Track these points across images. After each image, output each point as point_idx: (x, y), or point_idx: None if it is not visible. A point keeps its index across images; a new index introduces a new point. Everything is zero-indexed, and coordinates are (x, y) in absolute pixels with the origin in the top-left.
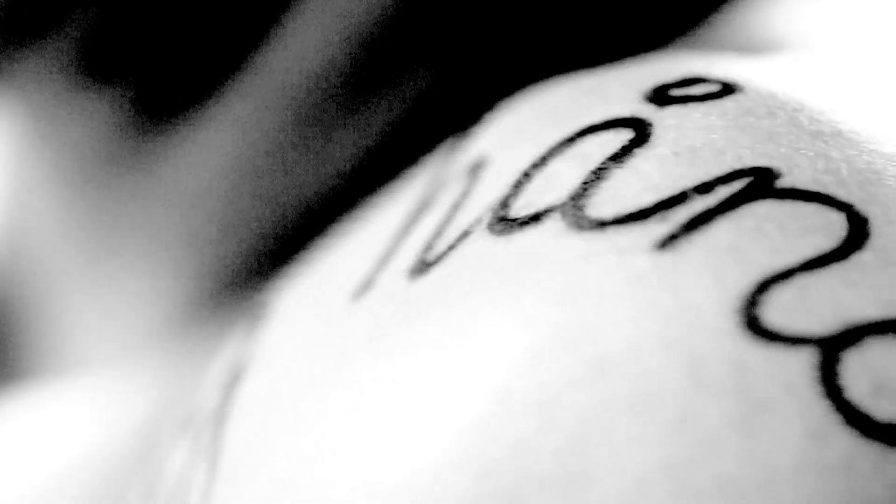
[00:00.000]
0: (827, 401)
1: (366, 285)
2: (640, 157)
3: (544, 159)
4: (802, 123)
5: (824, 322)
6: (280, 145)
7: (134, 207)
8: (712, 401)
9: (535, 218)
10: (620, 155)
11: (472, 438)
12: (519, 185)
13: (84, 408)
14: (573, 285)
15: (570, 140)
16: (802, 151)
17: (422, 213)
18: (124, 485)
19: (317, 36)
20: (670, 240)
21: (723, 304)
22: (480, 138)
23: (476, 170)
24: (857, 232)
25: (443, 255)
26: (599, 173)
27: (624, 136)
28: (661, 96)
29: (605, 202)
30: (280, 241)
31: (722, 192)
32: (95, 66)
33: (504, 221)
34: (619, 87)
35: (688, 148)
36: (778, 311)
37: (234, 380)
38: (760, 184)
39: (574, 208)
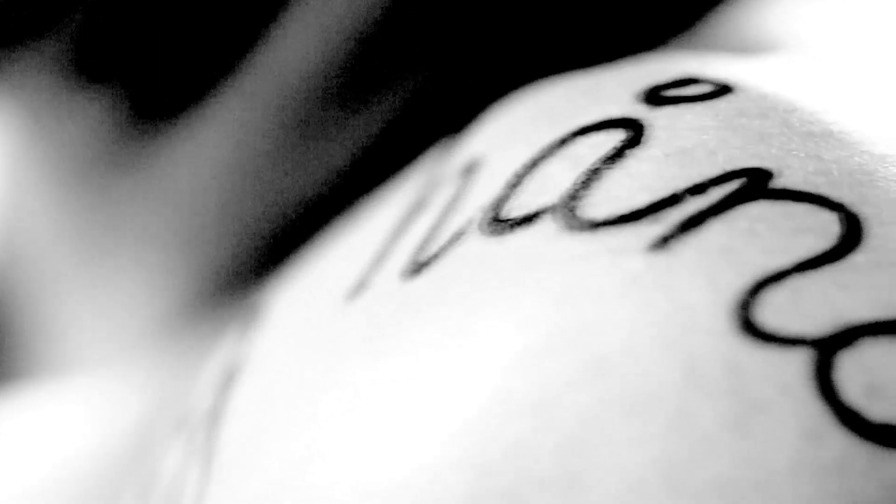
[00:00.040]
0: (821, 401)
1: (360, 286)
2: (634, 158)
3: (537, 160)
4: (795, 124)
5: (818, 323)
6: (274, 146)
7: (128, 208)
8: (707, 401)
9: (529, 219)
10: (614, 156)
11: (471, 438)
12: (512, 185)
13: (78, 408)
14: (566, 286)
15: (564, 141)
16: (794, 152)
17: (415, 213)
18: (118, 485)
19: (310, 37)
20: (664, 241)
21: (717, 304)
22: (474, 139)
23: (470, 171)
24: (851, 233)
25: (436, 256)
26: (593, 174)
27: (617, 136)
28: (654, 97)
29: (598, 203)
30: (274, 243)
31: (715, 194)
32: (89, 67)
33: (497, 222)
34: (612, 88)
35: (680, 149)
36: (772, 312)
37: (228, 381)
38: (753, 185)
39: (567, 209)
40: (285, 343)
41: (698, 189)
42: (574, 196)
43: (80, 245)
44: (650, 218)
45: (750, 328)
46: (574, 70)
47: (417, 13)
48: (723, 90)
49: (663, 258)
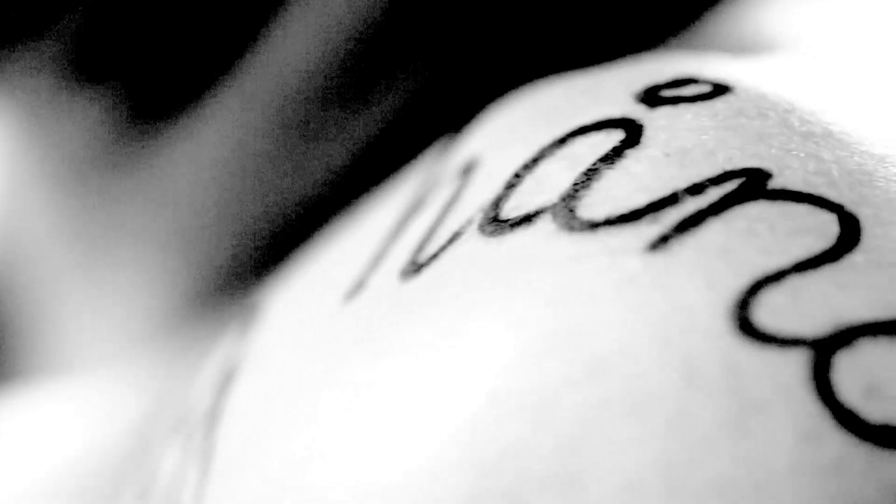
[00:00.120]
0: (819, 402)
1: (358, 286)
2: (632, 158)
3: (535, 160)
4: (793, 124)
5: (816, 323)
6: (272, 146)
7: (126, 208)
8: (705, 402)
9: (527, 219)
10: (612, 156)
11: (469, 439)
12: (510, 186)
13: (76, 408)
14: (565, 286)
15: (562, 141)
16: (793, 152)
17: (413, 213)
18: (116, 485)
19: (308, 37)
20: (662, 241)
21: (715, 305)
22: (472, 139)
23: (467, 171)
24: (849, 233)
25: (434, 257)
26: (591, 174)
27: (615, 137)
28: (652, 97)
29: (596, 203)
30: (271, 243)
31: (713, 194)
32: (87, 67)
33: (495, 222)
34: (610, 88)
35: (679, 149)
36: (770, 312)
37: (226, 380)
38: (752, 185)
39: (565, 209)
40: (284, 343)
41: (697, 189)
42: (572, 196)
43: (79, 245)
44: (648, 218)
45: (748, 328)
46: (572, 70)
47: (416, 13)
48: (721, 90)
49: (661, 258)
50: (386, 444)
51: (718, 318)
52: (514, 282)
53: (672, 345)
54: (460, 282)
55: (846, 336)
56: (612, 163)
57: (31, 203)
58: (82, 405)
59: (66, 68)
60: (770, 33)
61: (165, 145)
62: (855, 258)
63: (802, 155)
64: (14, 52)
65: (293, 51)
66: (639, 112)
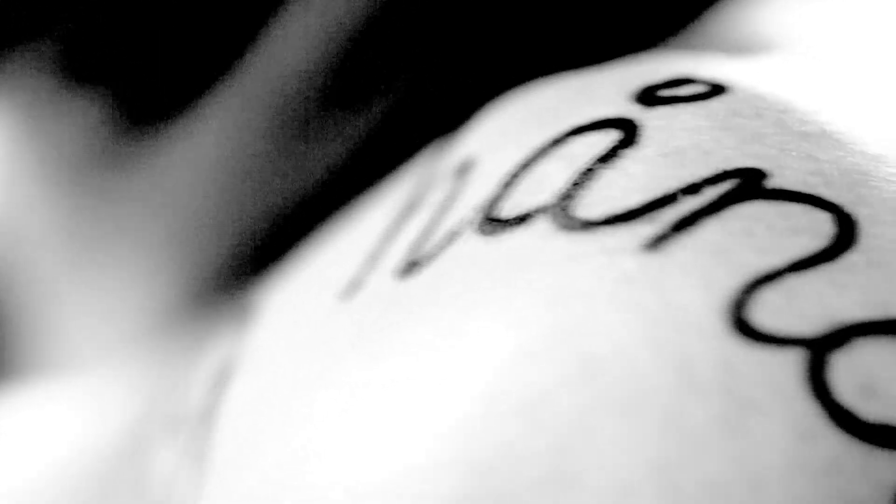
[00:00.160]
0: (814, 401)
1: (354, 286)
2: (628, 157)
3: (532, 160)
4: (790, 124)
5: (812, 323)
6: (267, 147)
7: (121, 208)
8: (700, 401)
9: (523, 219)
10: (608, 156)
11: (462, 439)
12: (507, 185)
13: (71, 407)
14: (561, 286)
15: (558, 141)
16: (790, 152)
17: (410, 213)
18: (110, 485)
19: (303, 38)
20: (658, 241)
21: (710, 304)
22: (468, 139)
23: (464, 170)
24: (845, 233)
25: (431, 256)
26: (587, 174)
27: (612, 136)
28: (649, 97)
29: (592, 203)
30: (267, 242)
31: (709, 193)
32: (82, 69)
33: (492, 222)
34: (607, 88)
35: (675, 149)
36: (766, 311)
37: (222, 380)
38: (748, 185)
39: (562, 209)
40: (280, 342)
41: (693, 189)
42: (568, 196)
43: (74, 245)
44: (644, 218)
45: (743, 328)
46: (569, 70)
47: (411, 14)
48: (717, 90)
49: (657, 258)
50: (381, 444)
51: (714, 318)
52: (512, 281)
53: (667, 344)
54: (457, 281)
55: (842, 335)
56: (609, 163)
57: (27, 203)
58: (76, 404)
59: (62, 70)
60: (766, 33)
61: (161, 146)
62: (851, 258)
63: (798, 155)
64: (11, 53)
65: (289, 52)
66: (635, 112)
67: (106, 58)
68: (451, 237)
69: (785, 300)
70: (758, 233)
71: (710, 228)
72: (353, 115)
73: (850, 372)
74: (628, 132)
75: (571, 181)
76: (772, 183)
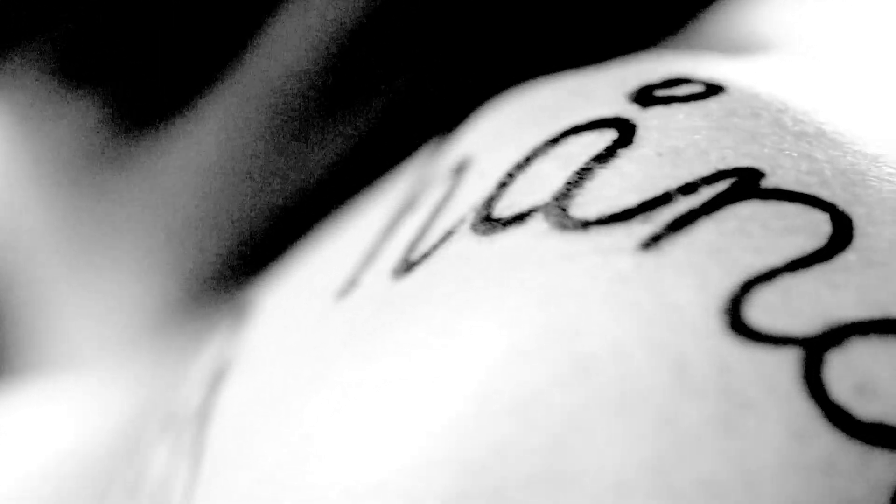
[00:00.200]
0: (810, 400)
1: (350, 285)
2: (624, 157)
3: (528, 160)
4: (786, 124)
5: (808, 322)
6: (262, 147)
7: (117, 209)
8: (695, 401)
9: (519, 218)
10: (604, 155)
11: (455, 438)
12: (503, 185)
13: (66, 406)
14: (556, 285)
15: (555, 140)
16: (786, 152)
17: (406, 213)
18: (104, 484)
19: (298, 39)
20: (654, 240)
21: (706, 304)
22: (464, 139)
23: (460, 170)
24: (841, 232)
25: (426, 255)
26: (583, 174)
27: (608, 136)
28: (645, 97)
29: (588, 203)
30: (263, 242)
31: (706, 193)
32: (77, 70)
33: (488, 221)
34: (603, 88)
35: (671, 149)
36: (761, 311)
37: (217, 379)
38: (744, 184)
39: (558, 209)
40: (275, 342)
41: (689, 188)
42: (565, 195)
43: (71, 245)
44: (640, 217)
45: (739, 327)
46: (565, 70)
47: (407, 14)
48: (714, 90)
49: (653, 258)
50: (375, 444)
51: (709, 318)
52: (506, 281)
53: (662, 344)
54: (452, 281)
55: (837, 335)
56: (605, 162)
57: (25, 203)
58: (73, 403)
59: (59, 70)
60: (763, 33)
61: (158, 146)
62: (847, 257)
63: (795, 154)
64: (8, 54)
65: (286, 52)
66: (632, 112)
67: (103, 58)
68: (446, 236)
69: (781, 299)
70: (754, 232)
71: (706, 228)
72: (349, 114)
73: (845, 371)
74: (624, 132)
75: (567, 181)
76: (768, 182)
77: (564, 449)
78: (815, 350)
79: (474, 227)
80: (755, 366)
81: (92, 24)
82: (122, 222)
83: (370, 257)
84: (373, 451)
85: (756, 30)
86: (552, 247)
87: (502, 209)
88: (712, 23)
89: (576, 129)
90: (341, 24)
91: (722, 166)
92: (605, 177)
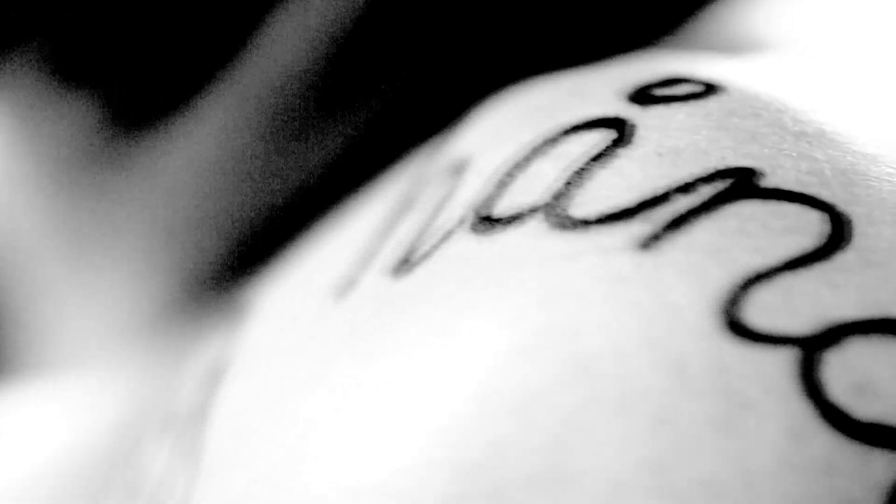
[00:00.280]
0: (808, 400)
1: (348, 284)
2: (623, 157)
3: (527, 159)
4: (786, 124)
5: (806, 322)
6: (259, 145)
7: (114, 208)
8: (693, 401)
9: (518, 218)
10: (603, 155)
11: (454, 438)
12: (501, 184)
13: (63, 407)
14: (555, 285)
15: (553, 140)
16: (786, 152)
17: (404, 212)
18: (103, 484)
19: (295, 38)
20: (652, 240)
21: (704, 303)
22: (463, 138)
23: (459, 169)
24: (840, 232)
25: (425, 255)
26: (582, 173)
27: (607, 136)
28: (643, 96)
29: (587, 202)
30: (260, 241)
31: (704, 192)
32: (73, 70)
33: (486, 221)
34: (601, 87)
35: (670, 148)
36: (759, 310)
37: (215, 379)
38: (743, 184)
39: (556, 208)
40: (272, 341)
41: (688, 188)
42: (562, 195)
43: (67, 245)
44: (638, 217)
45: (737, 327)
46: (563, 69)
47: (404, 13)
48: (713, 90)
49: (651, 257)
50: (374, 444)
51: (708, 317)
52: (506, 280)
53: (661, 344)
54: (451, 280)
55: (835, 334)
56: (603, 162)
57: (21, 203)
58: (69, 404)
59: (55, 71)
60: (762, 33)
61: (154, 146)
62: (846, 257)
63: (794, 154)
64: (4, 55)
65: (283, 51)
66: (631, 111)
67: (100, 59)
68: (445, 236)
69: (778, 299)
70: (752, 232)
71: (705, 227)
72: (346, 114)
73: (843, 371)
74: (622, 131)
75: (565, 180)
76: (766, 182)
77: (564, 449)
78: (812, 350)
79: (474, 227)
80: (754, 365)
81: (89, 25)
82: (120, 222)
83: (369, 257)
84: (372, 451)
85: (754, 29)
86: (551, 246)
87: (502, 209)
88: (710, 22)
89: (575, 129)
90: (338, 23)
91: (721, 166)
92: (604, 177)
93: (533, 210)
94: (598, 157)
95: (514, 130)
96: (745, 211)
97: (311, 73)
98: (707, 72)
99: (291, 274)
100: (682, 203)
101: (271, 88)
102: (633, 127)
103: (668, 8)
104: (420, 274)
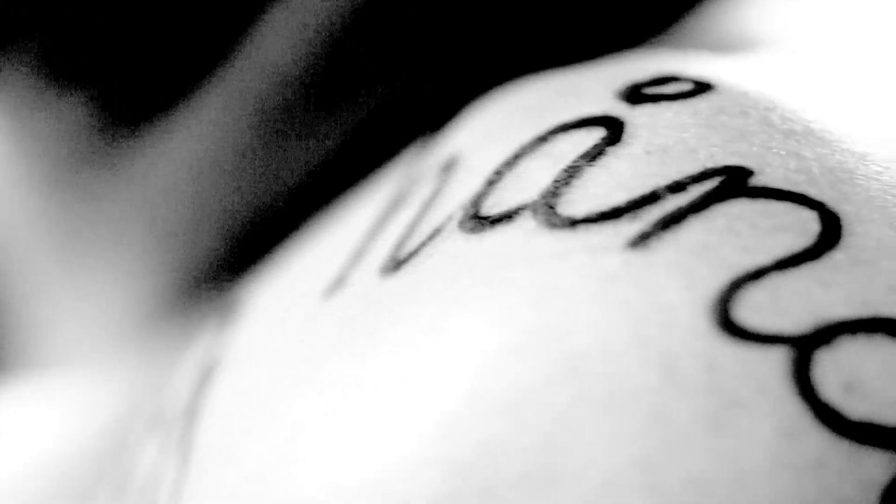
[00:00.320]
0: (799, 399)
1: (338, 283)
2: (613, 155)
3: (517, 157)
4: (775, 122)
5: (797, 321)
6: (251, 144)
7: (106, 208)
8: (684, 399)
9: (507, 216)
10: (593, 153)
11: (444, 436)
12: (491, 183)
13: (53, 405)
14: (545, 284)
15: (543, 138)
16: (774, 150)
17: (394, 210)
18: (91, 483)
19: (287, 37)
20: (642, 239)
21: (695, 303)
22: (453, 136)
23: (448, 168)
24: (830, 231)
25: (415, 253)
26: (572, 172)
27: (597, 134)
28: (634, 95)
29: (577, 201)
30: (251, 240)
31: (694, 191)
32: (65, 70)
33: (476, 219)
34: (592, 86)
35: (660, 147)
36: (750, 310)
37: (205, 378)
38: (733, 183)
39: (546, 207)
40: (265, 337)
41: (677, 187)
42: (553, 193)
43: (58, 244)
44: (629, 216)
45: (728, 326)
46: (554, 68)
47: (396, 12)
48: (703, 88)
49: (641, 256)
50: (364, 442)
51: (698, 316)
52: (495, 279)
53: (651, 343)
54: (441, 279)
55: (826, 333)
56: (594, 160)
57: (12, 202)
58: (59, 402)
59: (47, 70)
60: (752, 32)
61: (147, 145)
62: (836, 256)
63: (783, 153)
64: None
65: (274, 50)
66: (620, 110)
67: (92, 58)
68: (434, 234)
69: (769, 298)
70: (742, 231)
71: (695, 227)
72: (338, 112)
73: (834, 370)
74: (613, 130)
75: (556, 179)
76: (756, 181)
77: (555, 448)
78: (803, 349)
79: (462, 225)
80: (744, 364)
81: (80, 24)
82: (112, 221)
83: (358, 255)
84: (362, 451)
85: (745, 28)
86: (541, 245)
87: (490, 207)
88: (701, 21)
89: (564, 127)
90: (330, 21)
91: (710, 165)
92: (593, 175)
93: (523, 208)
94: (587, 156)
95: (504, 129)
96: (734, 210)
97: (302, 72)
98: (697, 70)
99: (282, 273)
100: (672, 202)
101: (262, 88)
102: (622, 125)
103: (661, 6)
104: (409, 272)
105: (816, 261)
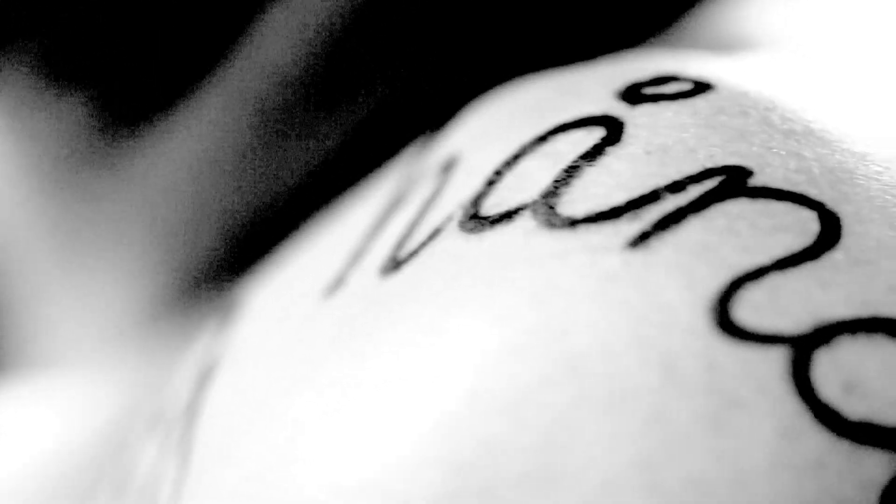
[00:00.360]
0: (798, 399)
1: (337, 283)
2: (613, 155)
3: (516, 157)
4: (774, 122)
5: (796, 321)
6: (250, 144)
7: (105, 207)
8: (684, 399)
9: (507, 216)
10: (593, 153)
11: (444, 436)
12: (491, 183)
13: (53, 405)
14: (545, 284)
15: (543, 138)
16: (774, 150)
17: (394, 210)
18: (92, 482)
19: (287, 37)
20: (642, 238)
21: (694, 303)
22: (453, 136)
23: (448, 168)
24: (829, 231)
25: (414, 253)
26: (571, 172)
27: (596, 134)
28: (633, 95)
29: (576, 200)
30: (250, 239)
31: (694, 191)
32: (64, 70)
33: (475, 219)
34: (591, 86)
35: (660, 146)
36: (750, 309)
37: (205, 377)
38: (732, 182)
39: (546, 207)
40: (264, 337)
41: (677, 187)
42: (552, 193)
43: (57, 243)
44: (629, 215)
45: (727, 326)
46: (553, 68)
47: (395, 12)
48: (702, 88)
49: (641, 256)
50: (363, 443)
51: (698, 316)
52: (494, 279)
53: (651, 343)
54: (440, 279)
55: (826, 333)
56: (593, 160)
57: (11, 202)
58: (58, 402)
59: (46, 70)
60: (751, 32)
61: (146, 145)
62: (835, 256)
63: (783, 153)
64: None
65: (274, 49)
66: (620, 109)
67: (91, 58)
68: (434, 234)
69: (769, 298)
70: (742, 231)
71: (694, 226)
72: (338, 112)
73: (833, 370)
74: (613, 130)
75: (555, 178)
76: (756, 181)
77: (555, 447)
78: (803, 349)
79: (462, 225)
80: (744, 364)
81: (80, 24)
82: (112, 221)
83: (358, 255)
84: (361, 451)
85: (744, 28)
86: (540, 245)
87: (490, 207)
88: (700, 21)
89: (564, 127)
90: (330, 21)
91: (710, 164)
92: (593, 175)
93: (522, 208)
94: (586, 156)
95: (503, 128)
96: (734, 210)
97: (304, 71)
98: (697, 70)
99: (282, 272)
100: (671, 202)
101: (265, 87)
102: (622, 125)
103: (660, 6)
104: (408, 272)
105: (816, 261)
